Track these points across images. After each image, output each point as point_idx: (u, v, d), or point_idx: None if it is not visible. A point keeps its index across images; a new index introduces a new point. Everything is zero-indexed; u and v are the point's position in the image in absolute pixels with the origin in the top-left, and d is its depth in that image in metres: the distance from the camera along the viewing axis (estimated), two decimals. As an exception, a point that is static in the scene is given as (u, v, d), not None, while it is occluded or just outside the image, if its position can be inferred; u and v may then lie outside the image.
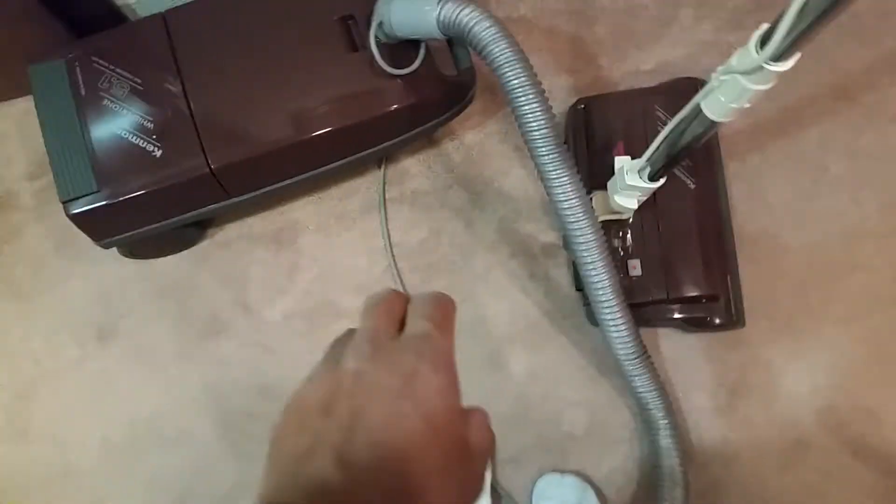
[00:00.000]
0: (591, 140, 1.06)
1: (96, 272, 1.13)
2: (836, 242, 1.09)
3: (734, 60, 0.63)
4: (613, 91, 1.12)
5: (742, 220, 1.09)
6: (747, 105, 0.66)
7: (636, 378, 0.97)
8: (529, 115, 0.82)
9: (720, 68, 0.65)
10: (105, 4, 1.05)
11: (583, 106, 1.08)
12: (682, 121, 0.74)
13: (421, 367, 0.32)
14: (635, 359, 0.95)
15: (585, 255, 0.88)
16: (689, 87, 1.07)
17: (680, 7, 1.16)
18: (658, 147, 0.82)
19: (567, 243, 0.93)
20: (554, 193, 0.85)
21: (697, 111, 0.70)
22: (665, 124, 1.03)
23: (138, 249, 1.09)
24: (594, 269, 0.89)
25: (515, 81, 0.81)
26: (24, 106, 1.19)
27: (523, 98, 0.81)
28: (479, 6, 0.83)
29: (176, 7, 0.97)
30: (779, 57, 0.58)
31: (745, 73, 0.61)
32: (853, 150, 1.11)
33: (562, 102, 1.15)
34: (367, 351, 0.33)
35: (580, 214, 0.86)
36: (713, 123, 0.70)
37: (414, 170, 1.16)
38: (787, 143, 1.12)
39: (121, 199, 0.92)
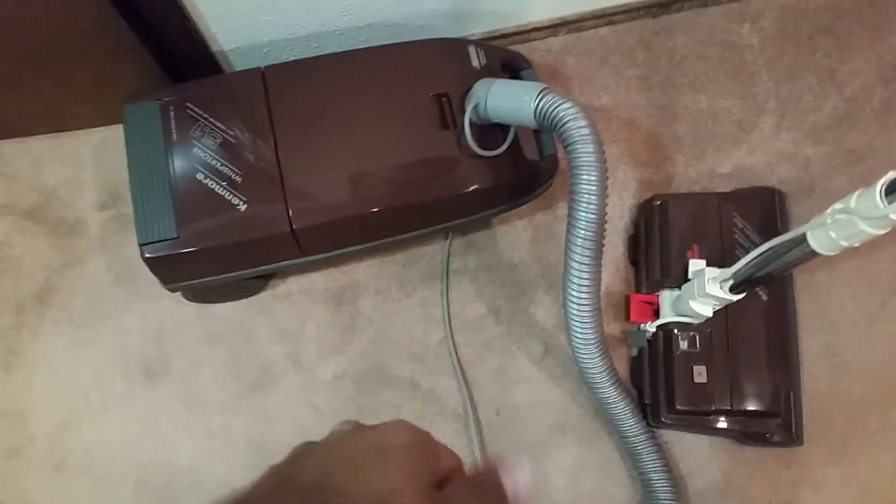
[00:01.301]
0: (664, 238, 1.06)
1: (154, 310, 1.13)
2: (898, 368, 1.08)
3: (853, 202, 0.62)
4: (690, 191, 1.12)
5: (806, 334, 1.08)
6: (857, 245, 0.65)
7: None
8: (582, 224, 0.85)
9: (837, 205, 0.65)
10: (203, 49, 1.08)
11: (659, 202, 1.08)
12: (781, 245, 0.74)
13: None
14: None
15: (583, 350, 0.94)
16: (767, 196, 1.08)
17: (762, 114, 1.17)
18: (748, 263, 0.81)
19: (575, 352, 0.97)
20: (570, 294, 0.90)
21: (801, 240, 0.70)
22: (742, 232, 1.04)
23: (201, 294, 1.09)
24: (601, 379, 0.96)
25: (585, 187, 0.83)
26: (104, 135, 1.21)
27: (584, 207, 0.84)
28: (576, 103, 0.84)
29: (277, 64, 0.98)
30: (907, 208, 0.57)
31: (864, 217, 0.61)
32: (925, 276, 1.11)
33: (634, 195, 1.15)
34: (344, 427, 0.36)
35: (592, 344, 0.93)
36: (815, 254, 0.70)
37: (480, 244, 1.16)
38: (857, 262, 1.12)
39: (199, 248, 0.92)
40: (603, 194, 0.84)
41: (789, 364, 1.03)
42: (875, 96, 1.18)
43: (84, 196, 1.19)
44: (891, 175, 0.59)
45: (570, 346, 0.96)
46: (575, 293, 0.89)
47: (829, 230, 0.66)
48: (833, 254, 0.68)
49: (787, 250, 0.73)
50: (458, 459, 0.37)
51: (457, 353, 1.10)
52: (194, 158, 0.93)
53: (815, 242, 0.68)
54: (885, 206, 0.58)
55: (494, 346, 1.12)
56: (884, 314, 1.10)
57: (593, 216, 0.84)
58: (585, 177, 0.83)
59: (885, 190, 0.59)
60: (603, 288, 1.12)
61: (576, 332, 0.93)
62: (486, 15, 1.14)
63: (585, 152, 0.83)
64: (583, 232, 0.85)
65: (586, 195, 0.83)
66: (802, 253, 0.71)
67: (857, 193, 0.62)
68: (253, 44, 1.08)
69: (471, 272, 1.15)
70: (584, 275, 0.88)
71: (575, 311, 0.91)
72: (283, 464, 0.33)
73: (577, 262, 0.87)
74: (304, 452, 0.34)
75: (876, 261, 1.12)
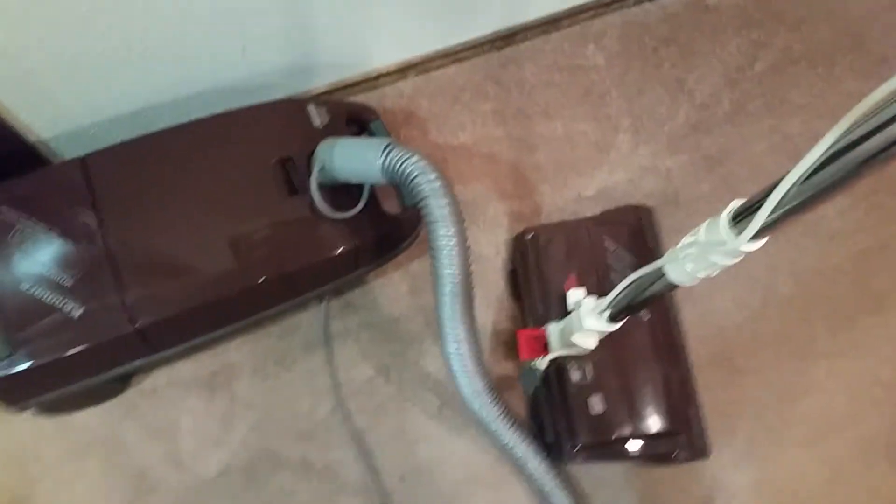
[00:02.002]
0: (541, 270, 1.04)
1: (8, 432, 1.01)
2: (789, 364, 1.09)
3: (702, 234, 0.61)
4: (559, 221, 1.10)
5: (696, 344, 1.07)
6: (714, 275, 0.64)
7: None
8: (447, 280, 0.82)
9: (686, 239, 0.63)
10: (17, 142, 0.98)
11: (531, 236, 1.05)
12: (643, 278, 0.72)
13: None
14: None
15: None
16: (633, 215, 1.08)
17: (618, 132, 1.17)
18: (618, 296, 0.79)
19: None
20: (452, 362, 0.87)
21: (660, 273, 0.68)
22: (613, 254, 1.03)
23: (55, 406, 0.99)
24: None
25: (444, 241, 0.81)
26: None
27: (446, 262, 0.81)
28: (422, 156, 0.81)
29: (99, 151, 0.90)
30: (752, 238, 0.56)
31: (714, 250, 0.59)
32: (798, 270, 1.12)
33: (505, 230, 1.13)
34: None
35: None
36: (676, 286, 0.68)
37: (358, 302, 1.10)
38: (735, 265, 1.12)
39: (37, 364, 0.82)
40: (463, 245, 0.82)
41: (683, 377, 1.02)
42: (724, 99, 1.20)
43: None
44: (734, 204, 0.58)
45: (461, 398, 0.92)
46: (454, 347, 0.86)
47: (684, 264, 0.64)
48: (694, 284, 0.66)
49: (649, 283, 0.71)
50: None
51: (351, 423, 1.04)
52: (15, 267, 0.84)
53: (673, 276, 0.66)
54: (732, 239, 0.56)
55: (388, 408, 1.06)
56: (767, 312, 1.11)
57: (457, 269, 0.82)
58: (443, 231, 0.80)
59: (732, 219, 0.57)
60: (489, 327, 1.09)
61: (463, 384, 0.89)
62: (328, 67, 1.09)
63: (438, 206, 0.80)
64: (449, 287, 0.82)
65: (447, 249, 0.81)
66: (665, 285, 0.69)
67: (705, 225, 0.61)
68: (75, 128, 0.99)
69: (353, 333, 1.09)
70: (460, 327, 0.85)
71: (458, 366, 0.88)
72: None
73: (449, 317, 0.84)
74: None
75: (750, 259, 1.13)
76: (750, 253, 0.57)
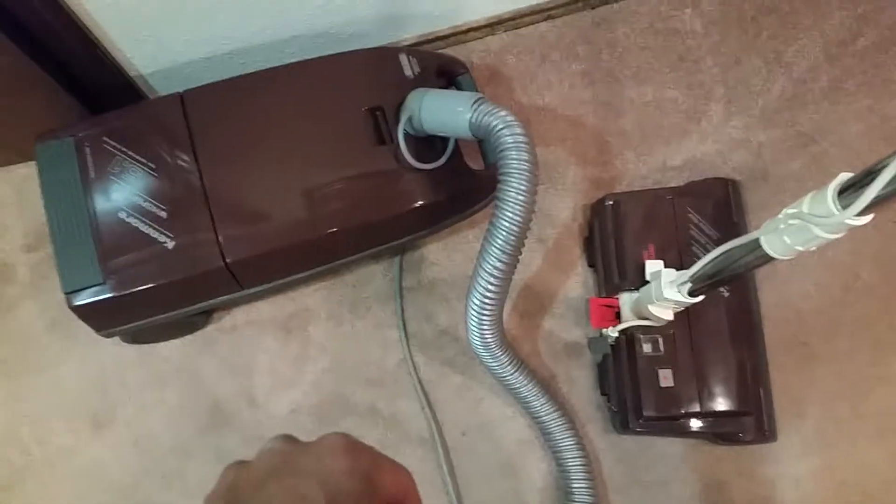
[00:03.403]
0: (619, 239, 1.02)
1: (93, 355, 1.07)
2: (866, 354, 1.06)
3: (805, 206, 0.59)
4: (642, 189, 1.08)
5: (772, 327, 1.05)
6: (813, 248, 0.62)
7: None
8: (501, 234, 0.81)
9: (788, 210, 0.61)
10: (119, 76, 1.01)
11: (611, 203, 1.04)
12: (735, 249, 0.70)
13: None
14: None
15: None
16: (721, 188, 1.05)
17: (710, 102, 1.14)
18: (703, 267, 0.78)
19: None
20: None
21: (756, 245, 0.66)
22: (697, 227, 1.00)
23: (140, 335, 1.03)
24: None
25: (512, 195, 0.79)
26: (25, 172, 1.14)
27: (507, 217, 0.80)
28: (512, 113, 0.80)
29: (197, 88, 0.92)
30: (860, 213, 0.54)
31: (818, 222, 0.57)
32: (884, 259, 1.08)
33: (584, 195, 1.11)
34: (276, 445, 0.34)
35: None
36: (770, 258, 0.66)
37: (432, 257, 1.11)
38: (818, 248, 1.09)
39: (128, 291, 0.86)
40: (529, 207, 0.80)
41: (757, 359, 1.00)
42: (822, 75, 1.15)
43: (8, 238, 1.11)
44: (842, 177, 0.56)
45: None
46: (477, 303, 0.86)
47: (783, 235, 0.62)
48: (790, 258, 0.64)
49: (741, 255, 0.70)
50: (407, 481, 0.34)
51: (418, 375, 1.06)
52: (114, 196, 0.87)
53: (769, 248, 0.64)
54: (838, 211, 0.54)
55: (455, 363, 1.07)
56: (848, 299, 1.08)
57: (516, 227, 0.80)
58: (515, 184, 0.79)
59: (838, 192, 0.56)
60: (560, 292, 1.09)
61: (474, 337, 0.92)
62: (419, 18, 1.09)
63: (518, 159, 0.79)
64: (500, 241, 0.81)
65: (512, 203, 0.79)
66: (757, 258, 0.68)
67: (808, 197, 0.59)
68: (173, 65, 1.02)
69: (425, 287, 1.10)
70: (492, 287, 0.84)
71: (475, 320, 0.89)
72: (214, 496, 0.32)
73: (487, 272, 0.84)
74: (232, 485, 0.32)
75: (835, 244, 1.09)
76: (854, 227, 0.55)
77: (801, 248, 0.62)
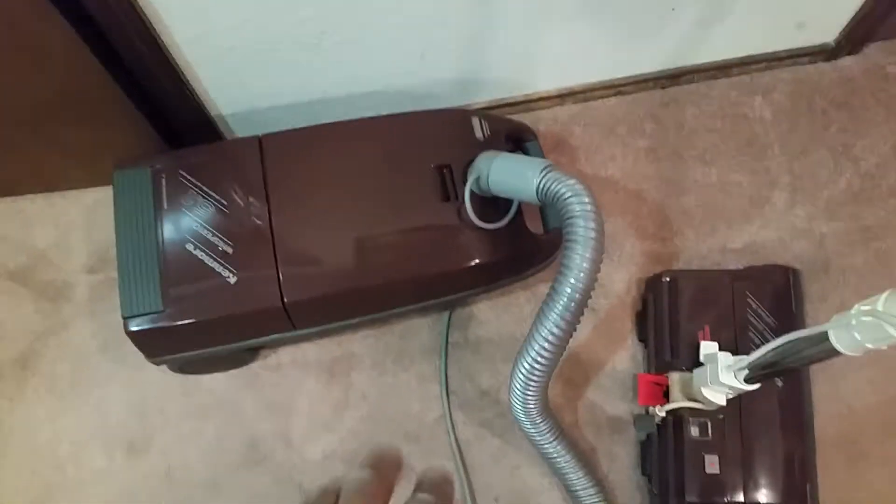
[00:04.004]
0: (673, 317, 1.01)
1: (139, 380, 1.08)
2: (922, 460, 1.02)
3: (881, 304, 0.58)
4: (700, 268, 1.08)
5: (822, 420, 1.02)
6: (885, 347, 0.60)
7: None
8: (563, 301, 0.79)
9: (862, 306, 0.60)
10: (201, 114, 1.05)
11: (668, 279, 1.03)
12: (800, 340, 0.69)
13: None
14: None
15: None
16: (781, 275, 1.04)
17: (774, 189, 1.14)
18: (764, 355, 0.76)
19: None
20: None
21: (823, 338, 0.65)
22: (755, 313, 0.99)
23: (187, 366, 1.04)
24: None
25: (577, 262, 0.78)
26: (96, 196, 1.18)
27: (570, 284, 0.78)
28: (580, 181, 0.81)
29: (275, 133, 0.95)
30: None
31: (893, 322, 0.56)
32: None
33: (640, 268, 1.11)
34: None
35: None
36: (837, 353, 0.65)
37: (481, 316, 1.11)
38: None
39: (185, 322, 0.88)
40: (593, 274, 0.79)
41: (805, 453, 0.97)
42: (891, 172, 1.14)
43: (73, 259, 1.15)
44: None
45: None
46: (527, 367, 0.84)
47: (854, 331, 0.61)
48: (857, 354, 0.63)
49: (805, 347, 0.68)
50: None
51: (455, 435, 1.05)
52: (184, 228, 0.90)
53: (838, 342, 0.63)
54: (918, 313, 0.53)
55: (494, 426, 1.06)
56: (904, 401, 1.04)
57: (578, 295, 0.78)
58: (581, 251, 0.78)
59: (918, 294, 0.55)
60: (609, 364, 1.08)
61: (516, 401, 0.89)
62: (492, 84, 1.12)
63: (585, 227, 0.78)
64: (561, 306, 0.79)
65: (577, 271, 0.78)
66: (822, 351, 0.66)
67: (885, 295, 0.58)
68: (253, 109, 1.06)
69: (471, 345, 1.10)
70: (545, 352, 0.82)
71: (520, 384, 0.86)
72: None
73: (543, 336, 0.81)
74: None
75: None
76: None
77: (871, 346, 0.60)
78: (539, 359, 0.83)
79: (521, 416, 0.91)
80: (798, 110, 1.17)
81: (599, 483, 0.97)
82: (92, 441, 1.06)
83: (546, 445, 0.94)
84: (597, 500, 0.96)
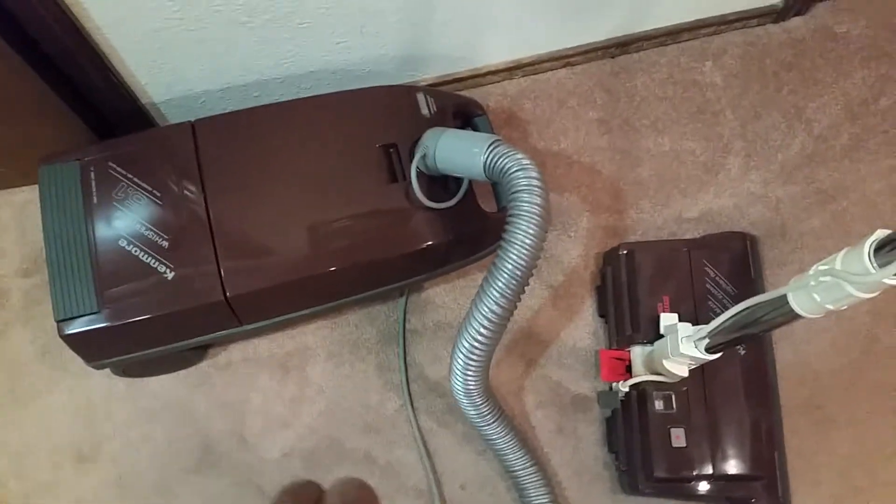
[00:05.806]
0: (632, 290, 0.99)
1: (82, 386, 1.03)
2: (885, 420, 1.02)
3: (838, 263, 0.56)
4: (657, 239, 1.06)
5: (786, 387, 1.01)
6: (844, 307, 0.59)
7: None
8: (503, 277, 0.76)
9: (820, 266, 0.58)
10: (132, 103, 0.99)
11: (625, 252, 1.01)
12: (760, 305, 0.67)
13: None
14: None
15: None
16: (739, 242, 1.03)
17: (728, 155, 1.12)
18: (723, 323, 0.74)
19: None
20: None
21: (783, 302, 0.63)
22: (713, 281, 0.97)
23: (131, 369, 0.99)
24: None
25: (520, 237, 0.75)
26: (27, 196, 1.12)
27: (512, 259, 0.76)
28: (527, 155, 0.77)
29: (209, 117, 0.90)
30: (899, 271, 0.51)
31: (852, 280, 0.54)
32: (907, 322, 1.05)
33: (597, 243, 1.09)
34: None
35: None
36: (797, 316, 0.63)
37: (438, 300, 1.08)
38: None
39: (123, 322, 0.83)
40: (536, 252, 0.76)
41: (772, 421, 0.96)
42: (843, 133, 1.14)
43: (5, 262, 1.09)
44: (878, 234, 0.53)
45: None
46: (467, 346, 0.81)
47: (813, 292, 0.59)
48: (818, 316, 0.61)
49: (765, 312, 0.66)
50: None
51: (417, 423, 1.02)
52: (116, 223, 0.85)
53: (797, 305, 0.61)
54: (875, 270, 0.51)
55: (457, 411, 1.02)
56: (867, 362, 1.04)
57: (519, 271, 0.76)
58: (523, 226, 0.75)
59: (874, 250, 0.53)
60: (569, 342, 1.06)
61: (456, 381, 0.85)
62: (438, 59, 1.08)
63: (529, 202, 0.75)
64: (501, 285, 0.77)
65: (518, 246, 0.75)
66: (783, 315, 0.64)
67: (842, 254, 0.56)
68: (187, 95, 1.00)
69: (430, 331, 1.07)
70: (485, 331, 0.79)
71: (460, 363, 0.83)
72: None
73: (483, 314, 0.78)
74: None
75: (853, 307, 1.06)
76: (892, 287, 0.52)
77: (831, 307, 0.58)
78: (479, 337, 0.80)
79: (462, 396, 0.88)
80: (749, 74, 1.16)
81: (540, 464, 0.95)
82: (37, 452, 1.01)
83: (485, 427, 0.91)
84: (537, 481, 0.94)
